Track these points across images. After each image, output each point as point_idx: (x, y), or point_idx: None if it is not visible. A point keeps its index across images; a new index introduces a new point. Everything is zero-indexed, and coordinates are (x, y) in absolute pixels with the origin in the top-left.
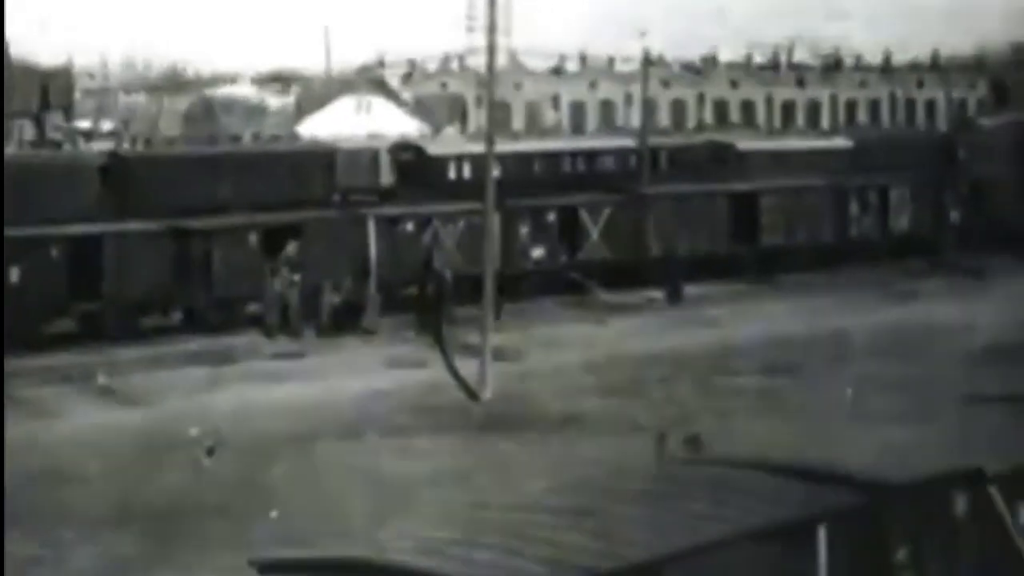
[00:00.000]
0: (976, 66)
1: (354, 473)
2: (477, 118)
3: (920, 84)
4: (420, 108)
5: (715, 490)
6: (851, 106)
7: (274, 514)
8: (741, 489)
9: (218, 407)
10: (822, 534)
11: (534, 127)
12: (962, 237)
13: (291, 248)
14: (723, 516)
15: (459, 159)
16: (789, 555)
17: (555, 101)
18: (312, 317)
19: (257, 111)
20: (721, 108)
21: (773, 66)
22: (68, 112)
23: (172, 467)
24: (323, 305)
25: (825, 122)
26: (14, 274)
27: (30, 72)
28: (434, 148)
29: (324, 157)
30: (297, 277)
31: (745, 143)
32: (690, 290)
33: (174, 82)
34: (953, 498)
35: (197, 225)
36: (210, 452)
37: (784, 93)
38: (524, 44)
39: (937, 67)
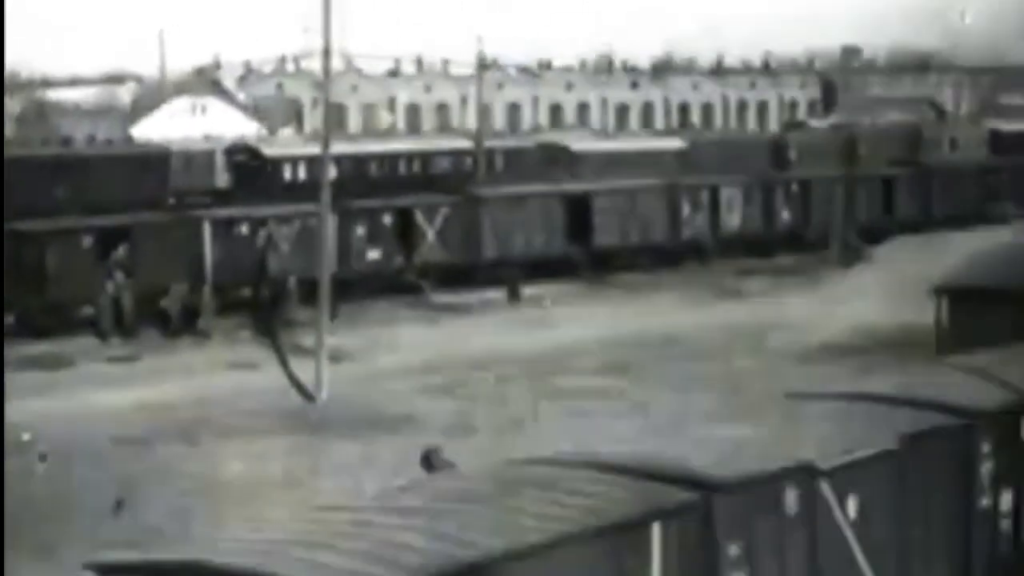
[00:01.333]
0: (807, 68)
1: (190, 476)
2: (313, 120)
3: (752, 86)
4: (256, 110)
5: (548, 490)
6: (684, 108)
7: (110, 517)
8: (574, 488)
9: (52, 412)
10: (655, 532)
11: (370, 129)
12: (792, 236)
13: (121, 251)
14: (556, 516)
15: (295, 161)
16: (623, 554)
17: (391, 103)
18: (147, 320)
19: (91, 113)
20: (556, 110)
21: (607, 68)
22: None
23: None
24: (162, 308)
25: (659, 123)
26: None
27: None
28: (270, 150)
29: (158, 159)
30: (128, 280)
31: (579, 145)
32: (528, 291)
33: (7, 84)
34: (784, 493)
35: (30, 228)
36: (42, 458)
37: (618, 95)
38: (360, 47)
39: (769, 69)
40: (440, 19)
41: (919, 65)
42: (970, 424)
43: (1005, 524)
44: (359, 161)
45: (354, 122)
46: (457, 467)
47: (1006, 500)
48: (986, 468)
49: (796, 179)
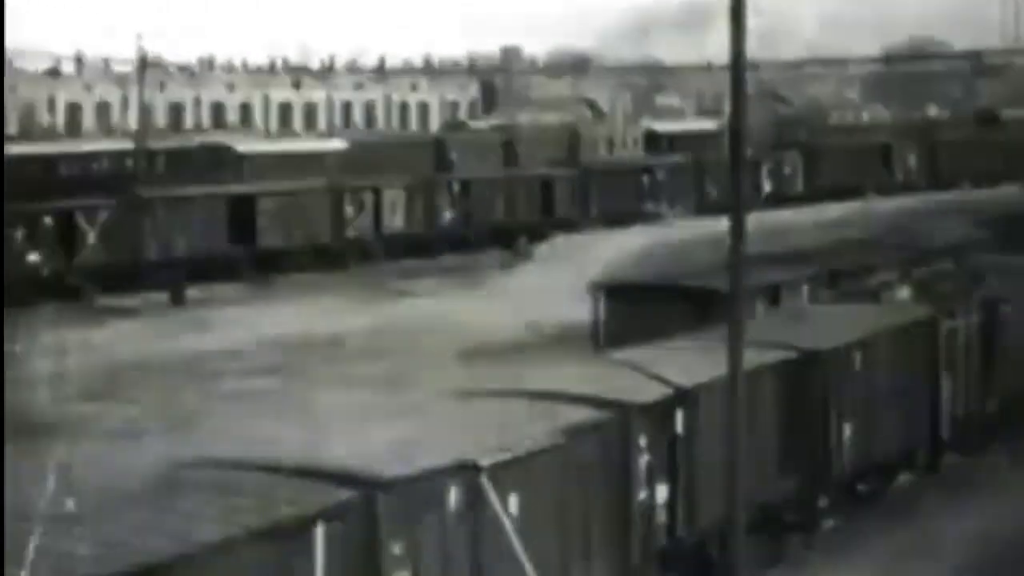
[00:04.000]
0: (468, 70)
1: None
2: None
3: (414, 87)
4: None
5: (212, 492)
6: (347, 108)
7: None
8: (238, 490)
9: None
10: (319, 532)
11: (28, 130)
12: (453, 236)
13: None
14: (220, 517)
15: None
16: (287, 554)
17: (51, 103)
18: None
19: None
20: (219, 110)
21: (269, 68)
22: None
23: None
24: None
25: (322, 124)
26: None
27: None
28: None
29: None
30: None
31: (244, 145)
32: (192, 293)
33: None
34: (447, 490)
35: None
36: None
37: (281, 95)
38: (16, 45)
39: (431, 70)
40: (101, 16)
41: (577, 66)
42: (626, 418)
43: (661, 516)
44: (16, 163)
45: (11, 123)
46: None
47: (662, 492)
48: (643, 461)
49: (458, 180)
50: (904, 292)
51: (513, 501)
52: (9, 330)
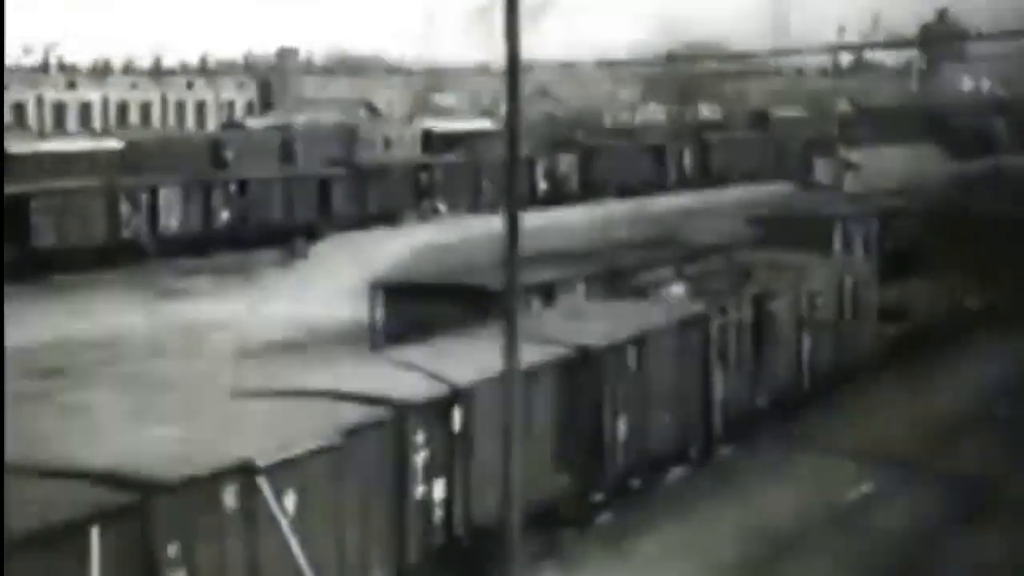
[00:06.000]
0: (246, 70)
1: None
2: None
3: (190, 86)
4: None
5: None
6: (123, 107)
7: None
8: (10, 493)
9: None
10: (95, 535)
11: None
12: (230, 235)
13: None
14: None
15: None
16: (61, 558)
17: None
18: None
19: None
20: None
21: (43, 68)
22: None
23: None
24: None
25: (97, 123)
26: None
27: None
28: None
29: None
30: None
31: (17, 146)
32: None
33: None
34: (223, 491)
35: None
36: None
37: (55, 95)
38: None
39: (206, 70)
40: None
41: (354, 66)
42: (403, 416)
43: (438, 513)
44: None
45: None
46: None
47: (439, 489)
48: (419, 458)
49: (234, 179)
50: (677, 289)
51: (290, 501)
52: None
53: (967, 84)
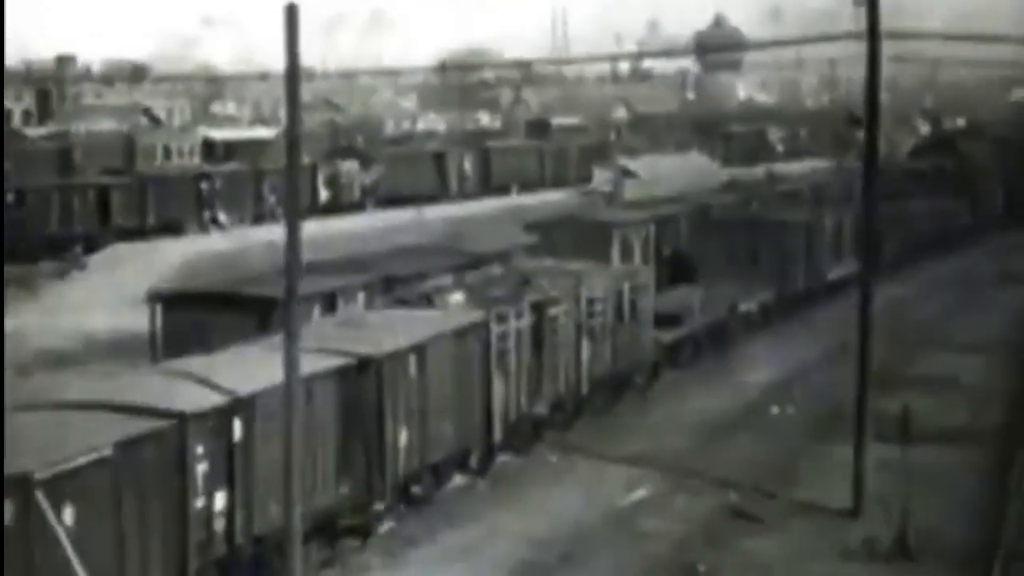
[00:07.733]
0: (24, 78)
1: None
2: None
3: None
4: None
5: None
6: None
7: None
8: None
9: None
10: None
11: None
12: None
13: None
14: None
15: None
16: None
17: None
18: None
19: None
20: None
21: None
22: None
23: None
24: None
25: None
26: None
27: None
28: None
29: None
30: None
31: None
32: None
33: None
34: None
35: None
36: None
37: None
38: None
39: None
40: None
41: (133, 74)
42: (183, 427)
43: (219, 523)
44: None
45: None
46: None
47: (220, 500)
48: (200, 469)
49: (12, 189)
50: (457, 297)
51: (68, 513)
52: None
53: (742, 92)
